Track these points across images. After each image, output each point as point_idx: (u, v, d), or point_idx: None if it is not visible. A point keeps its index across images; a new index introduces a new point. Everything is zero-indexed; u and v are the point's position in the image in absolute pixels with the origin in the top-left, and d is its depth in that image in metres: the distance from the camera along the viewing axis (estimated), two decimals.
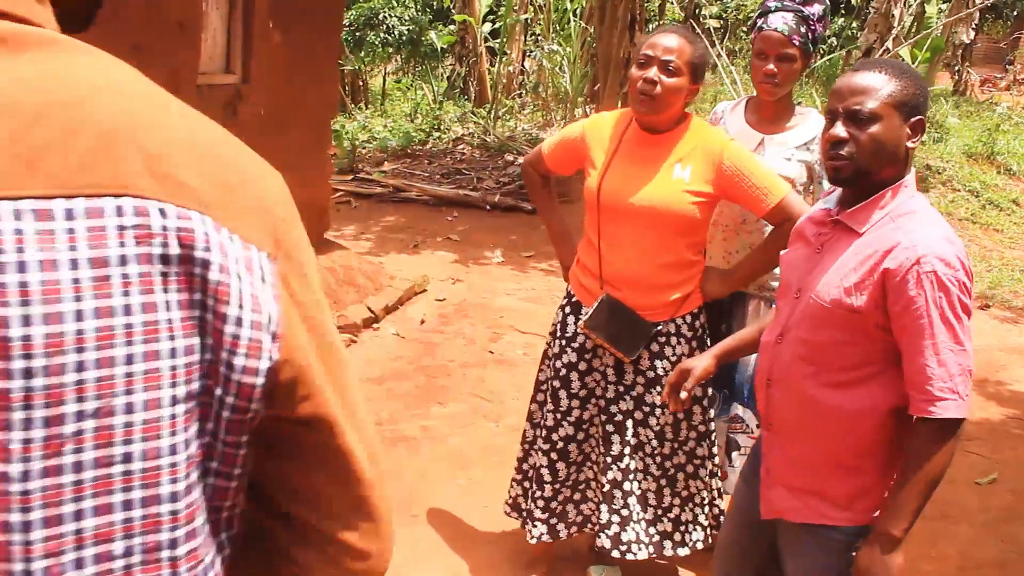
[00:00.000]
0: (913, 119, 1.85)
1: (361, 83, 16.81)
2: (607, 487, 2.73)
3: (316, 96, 5.78)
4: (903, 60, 13.31)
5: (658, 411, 2.70)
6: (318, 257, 5.81)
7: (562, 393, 2.78)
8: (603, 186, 2.64)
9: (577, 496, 2.89)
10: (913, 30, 13.22)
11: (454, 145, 11.45)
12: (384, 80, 17.03)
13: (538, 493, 2.85)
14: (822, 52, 17.24)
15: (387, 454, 3.96)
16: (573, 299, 2.84)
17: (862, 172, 1.85)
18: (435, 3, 15.62)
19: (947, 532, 3.71)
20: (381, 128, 12.41)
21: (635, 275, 2.65)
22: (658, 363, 2.70)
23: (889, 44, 12.14)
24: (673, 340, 2.71)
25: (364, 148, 11.09)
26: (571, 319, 2.81)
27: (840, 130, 1.84)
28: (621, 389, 2.73)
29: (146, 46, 4.04)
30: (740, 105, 3.07)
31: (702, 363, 2.35)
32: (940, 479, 1.80)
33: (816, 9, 2.83)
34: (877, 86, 1.83)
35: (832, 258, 1.90)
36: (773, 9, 2.84)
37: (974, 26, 15.00)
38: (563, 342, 2.80)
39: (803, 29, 2.78)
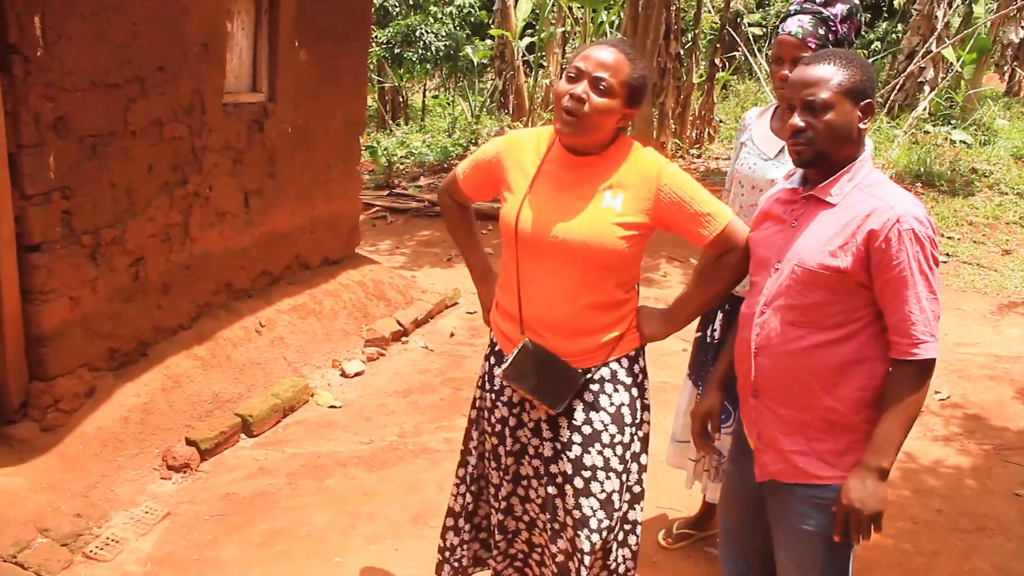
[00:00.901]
0: (863, 103, 2.05)
1: (401, 99, 17.01)
2: (559, 558, 2.43)
3: (344, 113, 5.84)
4: (948, 59, 13.04)
5: (601, 474, 2.33)
6: (348, 272, 5.91)
7: (501, 450, 2.47)
8: (521, 216, 2.27)
9: (521, 558, 2.62)
10: (959, 31, 12.93)
11: None
12: (424, 96, 17.19)
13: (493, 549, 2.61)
14: (865, 55, 16.99)
15: (407, 466, 3.97)
16: (496, 347, 2.49)
17: (821, 154, 2.05)
18: (473, 19, 15.73)
19: (983, 546, 3.58)
20: (419, 144, 12.51)
21: (559, 318, 2.29)
22: (594, 416, 2.34)
23: (932, 45, 11.90)
24: (609, 387, 2.35)
25: (402, 164, 11.19)
26: (497, 369, 2.45)
27: (798, 120, 2.04)
28: (558, 446, 2.37)
29: (170, 67, 4.14)
30: (768, 112, 3.02)
31: (708, 401, 2.42)
32: (917, 417, 2.04)
33: (839, 9, 2.75)
34: (828, 76, 2.02)
35: (809, 228, 2.08)
36: (793, 12, 2.78)
37: (1023, 24, 14.61)
38: (492, 395, 2.48)
39: (821, 31, 2.70)
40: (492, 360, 2.50)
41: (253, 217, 5.02)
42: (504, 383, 2.40)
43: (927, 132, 11.72)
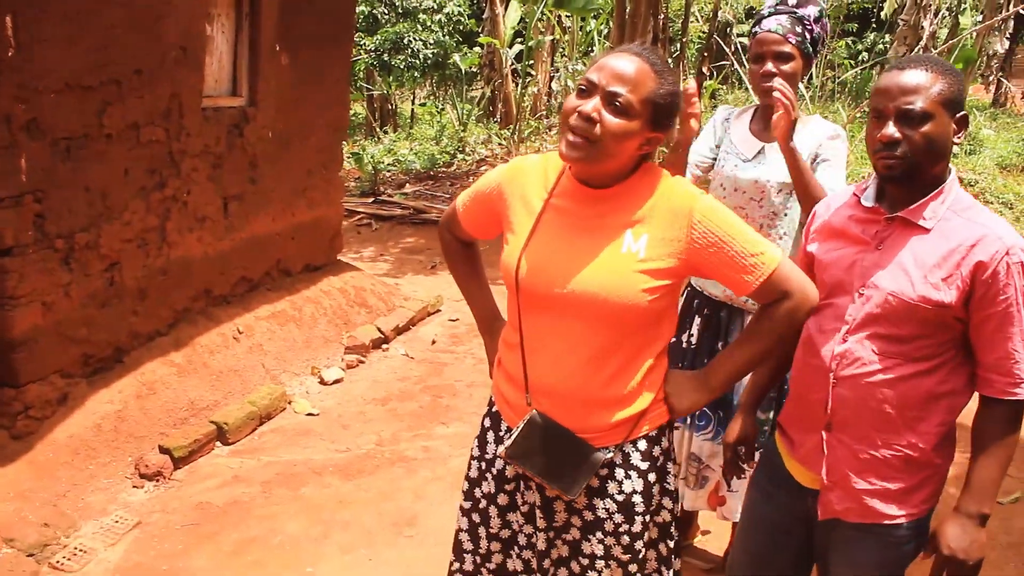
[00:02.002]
0: (959, 115, 1.88)
1: (390, 107, 16.98)
2: None
3: (326, 119, 5.81)
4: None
5: (600, 563, 1.96)
6: (330, 278, 5.86)
7: (481, 531, 2.10)
8: (523, 262, 1.88)
9: None
10: (945, 42, 12.98)
11: (478, 167, 11.46)
12: (413, 103, 17.17)
13: None
14: (851, 65, 17.04)
15: (384, 474, 3.93)
16: (494, 408, 2.11)
17: (915, 170, 1.87)
18: (462, 27, 15.72)
19: None
20: (406, 151, 12.48)
21: (568, 386, 1.88)
22: (599, 503, 1.94)
23: (919, 51, 11.94)
24: (620, 473, 1.94)
25: (388, 171, 11.16)
26: (491, 435, 2.09)
27: (893, 130, 1.85)
28: (552, 535, 1.99)
29: (147, 70, 4.09)
30: (747, 113, 2.96)
31: (741, 428, 2.26)
32: (1012, 458, 1.89)
33: (811, 11, 2.77)
34: (926, 84, 1.84)
35: (901, 255, 1.90)
36: (768, 14, 2.79)
37: (1009, 35, 14.69)
38: (482, 464, 2.10)
39: (799, 30, 2.70)
40: (487, 423, 2.11)
41: (233, 222, 4.97)
42: (504, 460, 1.99)
43: None
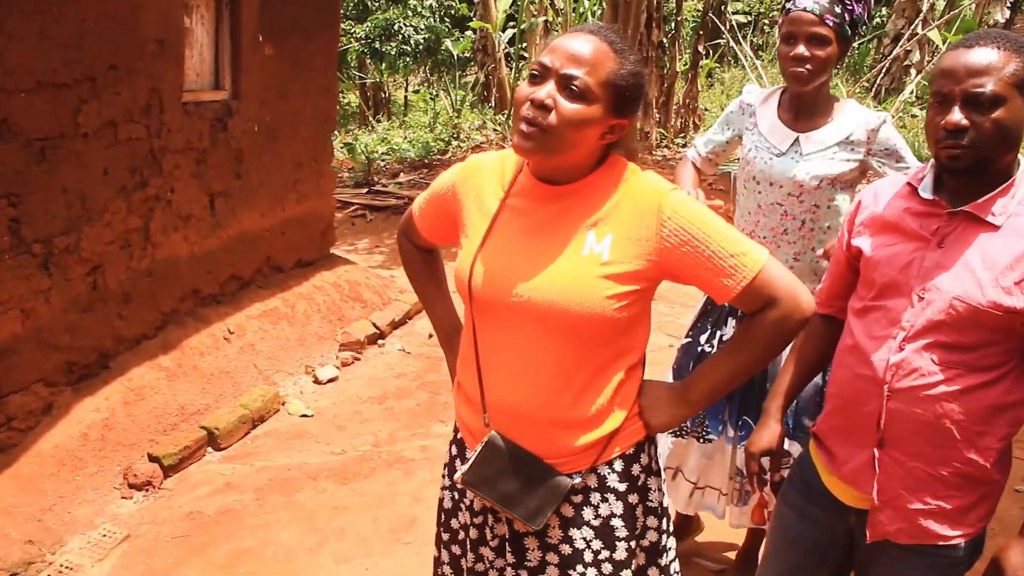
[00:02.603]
0: None
1: (383, 95, 16.80)
2: None
3: (313, 109, 5.66)
4: (1014, 34, 12.91)
5: None
6: (323, 273, 5.72)
7: (463, 563, 1.94)
8: (476, 269, 1.69)
9: None
10: (944, 13, 12.79)
11: (473, 153, 11.30)
12: (406, 91, 17.00)
13: None
14: None
15: (381, 477, 3.80)
16: (458, 434, 1.92)
17: (983, 161, 1.69)
18: (454, 12, 15.52)
19: (986, 546, 3.42)
20: (400, 140, 12.32)
21: (528, 406, 1.69)
22: (575, 533, 1.75)
23: (918, 27, 11.76)
24: (595, 497, 1.74)
25: (383, 160, 11.00)
26: (459, 464, 1.89)
27: (959, 116, 1.66)
28: (524, 574, 1.79)
29: (124, 65, 3.94)
30: (773, 98, 2.73)
31: (767, 436, 2.06)
32: None
33: None
34: (998, 64, 1.65)
35: (967, 255, 1.72)
36: None
37: (1009, 4, 14.48)
38: (455, 495, 1.92)
39: (838, 9, 2.46)
40: (454, 450, 1.93)
41: (220, 219, 4.83)
42: (461, 486, 1.80)
43: (915, 116, 11.57)
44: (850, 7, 2.47)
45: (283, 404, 4.48)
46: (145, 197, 4.21)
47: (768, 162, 2.62)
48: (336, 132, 12.37)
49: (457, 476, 1.75)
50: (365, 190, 9.28)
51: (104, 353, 4.09)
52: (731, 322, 2.74)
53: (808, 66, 2.48)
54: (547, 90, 1.58)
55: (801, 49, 2.46)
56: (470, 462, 1.72)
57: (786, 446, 2.57)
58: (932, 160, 1.82)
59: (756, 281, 1.62)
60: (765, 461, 2.09)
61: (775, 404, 2.09)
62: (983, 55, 1.65)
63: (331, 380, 4.81)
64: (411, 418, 4.41)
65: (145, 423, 4.02)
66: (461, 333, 1.91)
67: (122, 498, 3.63)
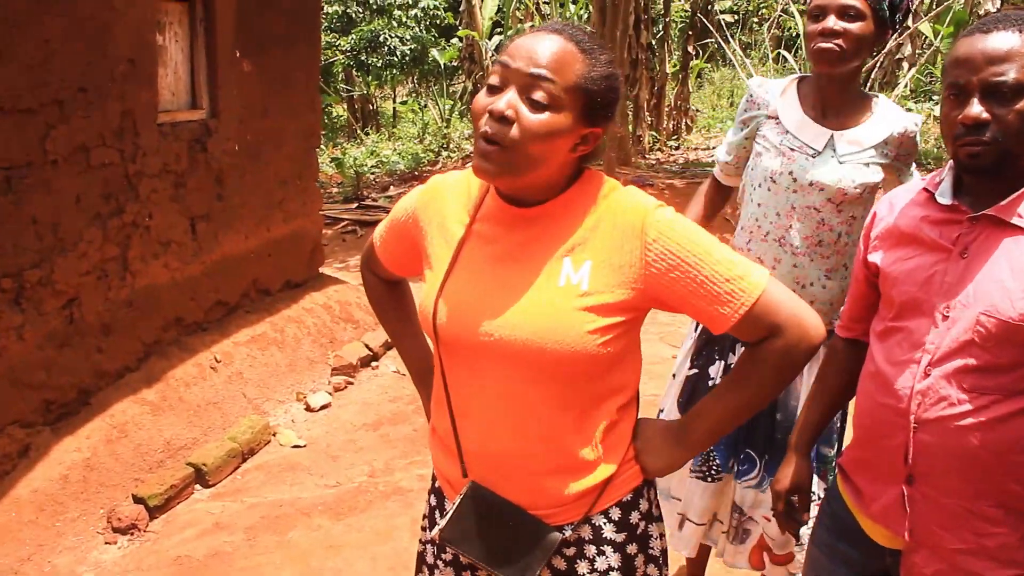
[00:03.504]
0: None
1: (371, 108, 16.65)
2: None
3: (296, 125, 5.48)
4: (923, 36, 12.78)
5: None
6: (312, 295, 5.53)
7: None
8: (440, 305, 1.51)
9: None
10: (933, 4, 12.66)
11: (464, 163, 11.14)
12: (394, 102, 16.86)
13: None
14: None
15: (377, 510, 3.61)
16: (437, 483, 1.72)
17: (1006, 157, 1.51)
18: (439, 21, 15.38)
19: None
20: (390, 152, 12.15)
21: (513, 455, 1.51)
22: None
23: (909, 21, 11.63)
24: (591, 550, 1.56)
25: (372, 174, 10.83)
26: (439, 516, 1.70)
27: (979, 109, 1.49)
28: None
29: (93, 87, 3.76)
30: (791, 90, 2.39)
31: (794, 474, 1.88)
32: None
33: None
34: (1020, 49, 1.48)
35: (993, 263, 1.53)
36: None
37: None
38: (435, 549, 1.71)
39: None
40: (433, 500, 1.72)
41: (202, 244, 4.64)
42: (440, 543, 1.62)
43: (909, 110, 11.44)
44: None
45: (274, 435, 4.29)
46: (122, 224, 4.03)
47: (804, 163, 2.31)
48: (323, 147, 12.21)
49: (435, 532, 1.58)
50: (355, 205, 9.11)
51: (84, 389, 3.90)
52: (738, 350, 2.46)
53: (839, 42, 2.16)
54: (507, 99, 1.38)
55: (831, 22, 2.15)
56: (448, 516, 1.55)
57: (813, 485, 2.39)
58: (950, 162, 1.63)
59: (756, 308, 1.43)
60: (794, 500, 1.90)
61: (801, 439, 1.90)
62: (1003, 40, 1.48)
63: (324, 407, 4.62)
64: (408, 445, 4.22)
65: (129, 461, 3.83)
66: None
67: (106, 543, 3.44)
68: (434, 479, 1.72)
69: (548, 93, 1.37)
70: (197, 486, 3.85)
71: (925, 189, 1.66)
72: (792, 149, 2.33)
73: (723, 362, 2.49)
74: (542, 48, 1.39)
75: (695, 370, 2.55)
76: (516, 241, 1.49)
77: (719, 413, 1.55)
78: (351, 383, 4.92)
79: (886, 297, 1.68)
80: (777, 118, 2.37)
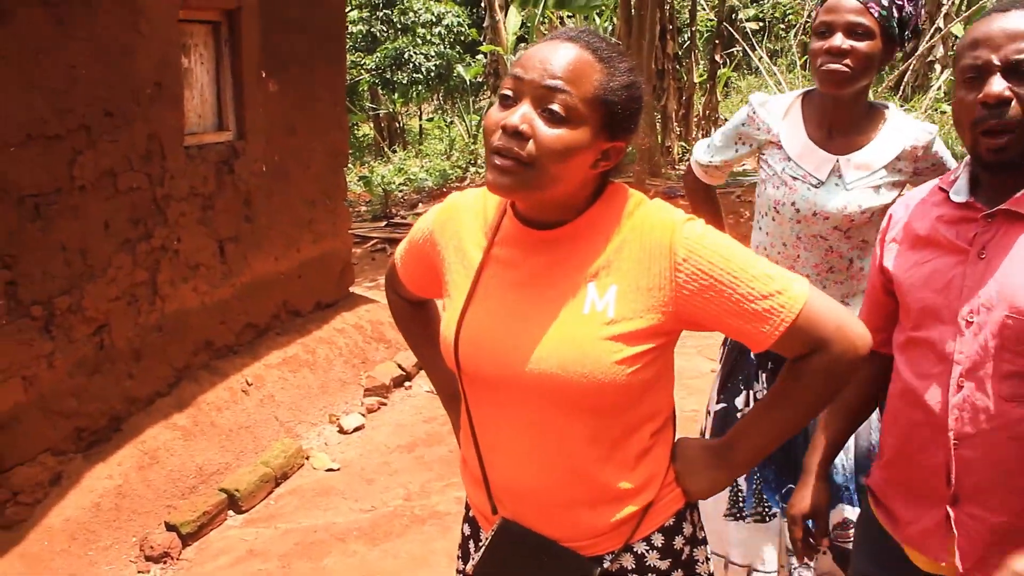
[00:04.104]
0: None
1: (398, 125, 16.69)
2: None
3: (323, 145, 5.44)
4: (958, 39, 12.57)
5: None
6: (343, 315, 5.47)
7: None
8: (463, 337, 1.43)
9: None
10: (963, 6, 12.46)
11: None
12: (420, 119, 16.88)
13: None
14: None
15: (414, 535, 3.52)
16: (471, 512, 1.64)
17: None
18: (464, 37, 15.40)
19: None
20: (417, 169, 12.13)
21: (544, 489, 1.42)
22: None
23: (940, 22, 11.44)
24: None
25: (400, 192, 10.81)
26: (472, 545, 1.63)
27: (1002, 85, 1.38)
28: None
29: (119, 112, 3.74)
30: (795, 109, 2.25)
31: (812, 497, 1.75)
32: None
33: None
34: None
35: (1013, 259, 1.42)
36: None
37: None
38: None
39: (885, 1, 2.05)
40: (467, 530, 1.65)
41: (231, 266, 4.61)
42: None
43: (944, 112, 11.23)
44: (899, 2, 2.05)
45: (307, 458, 4.23)
46: (150, 248, 3.99)
47: (806, 194, 2.18)
48: (351, 165, 12.23)
49: (468, 567, 1.51)
50: (383, 223, 9.08)
51: (115, 416, 3.86)
52: (763, 377, 2.33)
53: (847, 61, 2.03)
54: (521, 113, 1.29)
55: (839, 40, 2.03)
56: (480, 554, 1.48)
57: (847, 513, 2.21)
58: (966, 158, 1.52)
59: (798, 322, 1.33)
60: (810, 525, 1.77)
61: (815, 459, 1.78)
62: (1023, 18, 1.39)
63: (357, 429, 4.54)
64: (444, 467, 4.13)
65: (161, 488, 3.78)
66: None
67: (139, 572, 3.39)
68: (468, 507, 1.64)
69: (565, 105, 1.28)
70: (230, 512, 3.78)
71: (940, 188, 1.57)
72: (794, 178, 2.20)
73: (748, 391, 2.35)
74: (557, 58, 1.30)
75: (722, 404, 2.41)
76: (537, 266, 1.40)
77: (763, 431, 1.47)
78: (384, 404, 4.85)
79: (903, 305, 1.57)
80: (779, 143, 2.24)
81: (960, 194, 1.49)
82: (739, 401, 2.36)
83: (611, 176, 1.42)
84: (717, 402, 2.44)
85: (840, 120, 2.16)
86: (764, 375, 2.32)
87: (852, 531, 2.17)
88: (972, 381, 1.44)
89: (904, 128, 2.15)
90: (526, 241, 1.42)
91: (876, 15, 2.02)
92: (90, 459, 3.69)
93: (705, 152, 2.48)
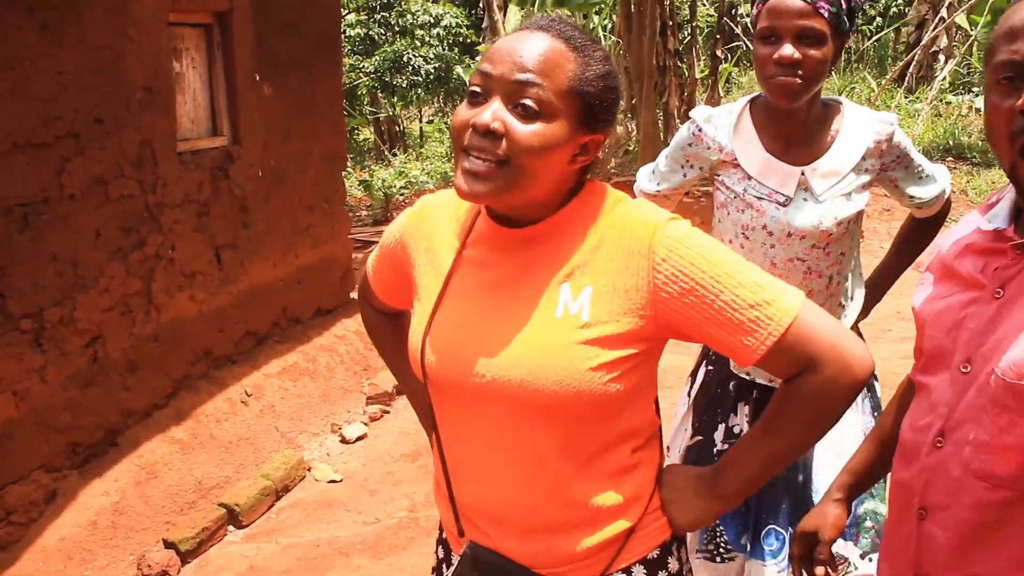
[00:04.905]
0: None
1: (398, 129, 16.60)
2: None
3: (321, 149, 5.34)
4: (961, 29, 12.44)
5: None
6: (344, 321, 5.37)
7: None
8: (429, 342, 1.33)
9: None
10: None
11: None
12: (420, 122, 16.80)
13: None
14: (868, 32, 16.36)
15: (420, 547, 3.42)
16: (443, 533, 1.52)
17: None
18: (462, 39, 15.32)
19: None
20: (418, 171, 12.03)
21: (514, 508, 1.31)
22: None
23: (944, 13, 11.32)
24: None
25: (401, 195, 10.72)
26: (445, 568, 1.52)
27: None
28: None
29: (109, 118, 3.65)
30: (745, 120, 2.03)
31: (828, 518, 1.54)
32: None
33: None
34: None
35: None
36: None
37: None
38: None
39: None
40: (441, 552, 1.53)
41: (228, 274, 4.51)
42: None
43: (949, 103, 11.11)
44: None
45: (309, 470, 4.13)
46: (144, 257, 3.90)
47: (776, 214, 1.99)
48: (351, 169, 12.14)
49: None
50: (384, 227, 8.99)
51: (111, 430, 3.76)
52: (742, 409, 2.15)
53: (800, 72, 1.83)
54: (492, 110, 1.20)
55: (788, 49, 1.81)
56: None
57: (838, 547, 2.00)
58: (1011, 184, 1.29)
59: (787, 338, 1.21)
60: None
61: (838, 481, 1.59)
62: None
63: (360, 438, 4.44)
64: None
65: (159, 504, 3.68)
66: None
67: None
68: (441, 529, 1.52)
69: (538, 100, 1.19)
70: (230, 527, 3.69)
71: (981, 214, 1.33)
72: (759, 198, 2.00)
73: (724, 424, 2.17)
74: (527, 49, 1.20)
75: (699, 438, 2.22)
76: (510, 267, 1.30)
77: (755, 460, 1.33)
78: (387, 412, 4.75)
79: (917, 342, 1.39)
80: (735, 162, 2.03)
81: (993, 221, 1.24)
82: (717, 435, 2.18)
83: (589, 172, 1.32)
84: (692, 436, 2.24)
85: (797, 128, 1.98)
86: (747, 407, 2.14)
87: (844, 566, 2.01)
88: (950, 444, 1.22)
89: (864, 123, 1.98)
90: (499, 240, 1.32)
91: (826, 15, 1.82)
92: (86, 475, 3.59)
93: (650, 180, 2.25)
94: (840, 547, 2.03)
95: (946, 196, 2.15)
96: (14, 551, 3.21)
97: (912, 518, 1.28)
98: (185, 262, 4.17)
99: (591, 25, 14.54)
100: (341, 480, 4.05)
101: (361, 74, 13.79)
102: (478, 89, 1.23)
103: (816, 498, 2.03)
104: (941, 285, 1.32)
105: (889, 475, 1.43)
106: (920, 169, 2.06)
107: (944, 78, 10.70)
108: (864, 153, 1.96)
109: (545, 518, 1.29)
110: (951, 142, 9.60)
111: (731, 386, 2.17)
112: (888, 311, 5.40)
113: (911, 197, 2.09)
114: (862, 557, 2.04)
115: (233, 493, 3.79)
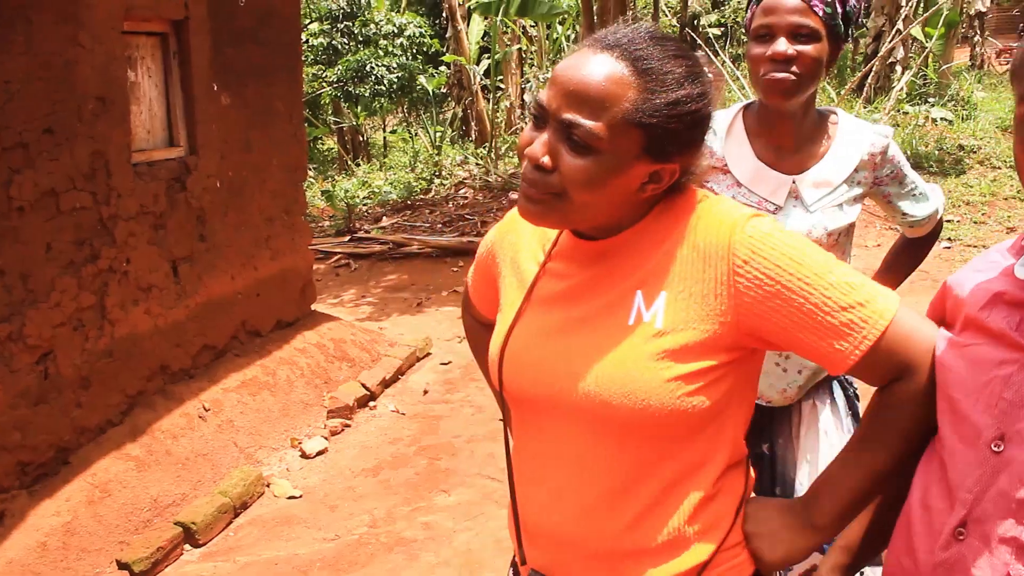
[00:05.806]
0: None
1: (362, 139, 16.51)
2: None
3: (281, 159, 5.27)
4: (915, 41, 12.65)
5: None
6: (304, 334, 5.29)
7: None
8: (508, 354, 1.29)
9: None
10: (922, 8, 12.56)
11: (456, 190, 10.94)
12: (384, 132, 16.73)
13: None
14: None
15: (380, 564, 3.37)
16: (515, 558, 1.46)
17: None
18: (426, 48, 15.28)
19: None
20: (381, 182, 11.96)
21: (579, 533, 1.24)
22: None
23: (900, 25, 11.52)
24: None
25: (364, 205, 10.64)
26: None
27: None
28: None
29: (60, 128, 3.56)
30: (737, 126, 1.99)
31: (826, 570, 1.33)
32: None
33: None
34: None
35: None
36: None
37: None
38: None
39: None
40: (511, 574, 1.47)
41: (185, 287, 4.42)
42: None
43: (906, 113, 11.28)
44: None
45: (268, 486, 4.05)
46: (97, 271, 3.81)
47: None
48: (314, 180, 12.03)
49: None
50: (347, 238, 8.90)
51: (63, 448, 3.67)
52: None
53: (795, 69, 1.80)
54: (543, 142, 1.14)
55: (783, 45, 1.79)
56: None
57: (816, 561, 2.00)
58: None
59: (884, 342, 1.12)
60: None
61: (829, 563, 1.39)
62: None
63: (320, 453, 4.37)
64: (410, 490, 3.97)
65: (113, 523, 3.58)
66: None
67: None
68: (514, 554, 1.46)
69: (585, 136, 1.11)
70: (187, 546, 3.60)
71: (1011, 252, 1.16)
72: (749, 206, 1.99)
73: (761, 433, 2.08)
74: (581, 80, 1.12)
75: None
76: (584, 277, 1.25)
77: (851, 482, 1.21)
78: (348, 425, 4.68)
79: (938, 409, 1.17)
80: (726, 168, 1.98)
81: None
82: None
83: (673, 193, 1.23)
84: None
85: (789, 135, 1.94)
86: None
87: None
88: (975, 538, 1.04)
89: (858, 135, 1.95)
90: (578, 253, 1.28)
91: (821, 14, 1.80)
92: (35, 495, 3.49)
93: None
94: (818, 559, 1.99)
95: (939, 216, 2.12)
96: None
97: None
98: (140, 275, 4.08)
99: (555, 35, 14.59)
100: (301, 496, 3.98)
101: (324, 83, 13.70)
102: (536, 111, 1.18)
103: None
104: (963, 333, 1.14)
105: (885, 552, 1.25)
106: (914, 186, 2.03)
107: (901, 88, 10.87)
108: (857, 165, 1.93)
109: (610, 544, 1.22)
110: (908, 151, 9.75)
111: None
112: None
113: (904, 214, 2.06)
114: None
115: (190, 511, 3.70)
